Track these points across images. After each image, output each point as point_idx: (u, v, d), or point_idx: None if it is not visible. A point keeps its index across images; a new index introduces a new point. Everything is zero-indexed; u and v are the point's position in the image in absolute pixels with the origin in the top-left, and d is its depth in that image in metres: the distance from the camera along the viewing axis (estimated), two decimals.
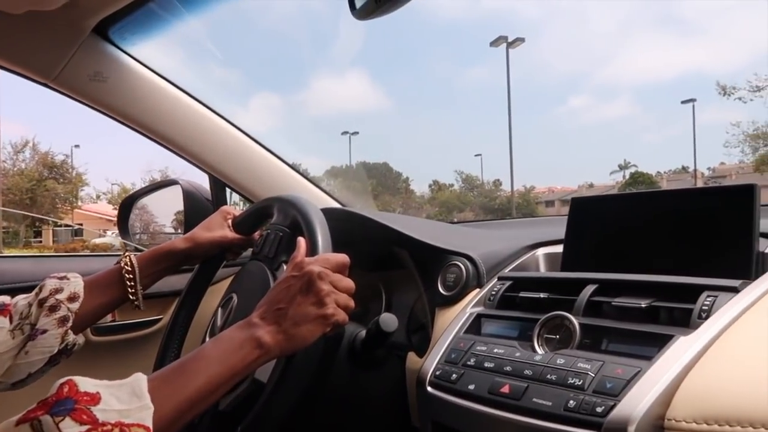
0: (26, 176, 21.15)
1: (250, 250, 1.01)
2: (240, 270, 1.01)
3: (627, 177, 30.57)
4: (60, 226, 22.67)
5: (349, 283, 0.71)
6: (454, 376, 0.77)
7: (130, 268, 0.90)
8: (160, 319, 1.33)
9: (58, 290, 0.82)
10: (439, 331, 0.88)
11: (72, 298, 0.82)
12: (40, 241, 22.17)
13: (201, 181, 1.42)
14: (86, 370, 1.19)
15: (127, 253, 0.92)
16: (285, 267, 0.86)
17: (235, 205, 1.54)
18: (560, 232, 0.96)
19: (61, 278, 0.84)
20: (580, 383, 0.65)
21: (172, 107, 1.30)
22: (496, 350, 0.76)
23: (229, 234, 0.99)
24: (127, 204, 1.50)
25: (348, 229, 1.01)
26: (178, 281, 1.13)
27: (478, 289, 0.92)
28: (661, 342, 0.64)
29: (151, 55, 1.28)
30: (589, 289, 0.77)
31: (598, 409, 0.61)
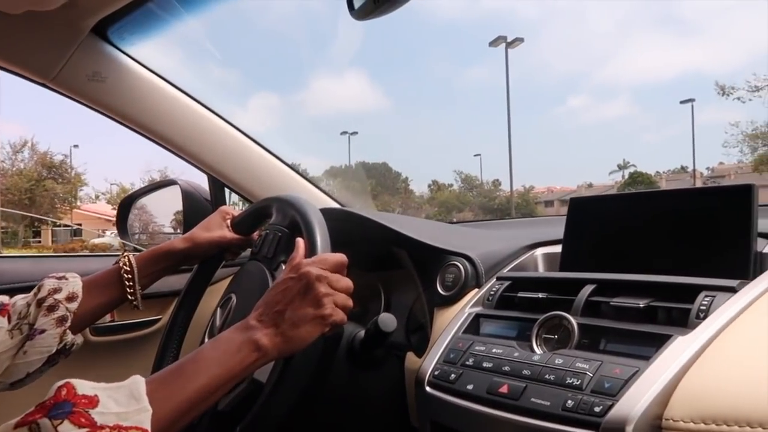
0: (25, 176, 21.13)
1: (249, 251, 1.01)
2: (239, 270, 1.01)
3: (626, 177, 30.60)
4: (59, 226, 22.66)
5: (346, 282, 0.71)
6: (453, 376, 0.77)
7: (128, 268, 0.90)
8: (159, 319, 1.33)
9: (56, 290, 0.82)
10: (437, 331, 0.88)
11: (70, 298, 0.82)
12: (39, 241, 22.16)
13: (200, 181, 1.42)
14: (85, 370, 1.19)
15: (125, 253, 0.92)
16: (284, 267, 0.86)
17: (234, 205, 1.54)
18: (559, 232, 0.96)
19: (59, 278, 0.84)
20: (578, 383, 0.65)
21: (171, 107, 1.30)
22: (494, 350, 0.76)
23: (228, 234, 0.99)
24: (126, 204, 1.50)
25: (347, 229, 1.01)
26: (177, 281, 1.13)
27: (476, 289, 0.92)
28: (659, 342, 0.64)
29: (150, 55, 1.28)
30: (588, 289, 0.77)
31: (596, 409, 0.61)
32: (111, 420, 0.51)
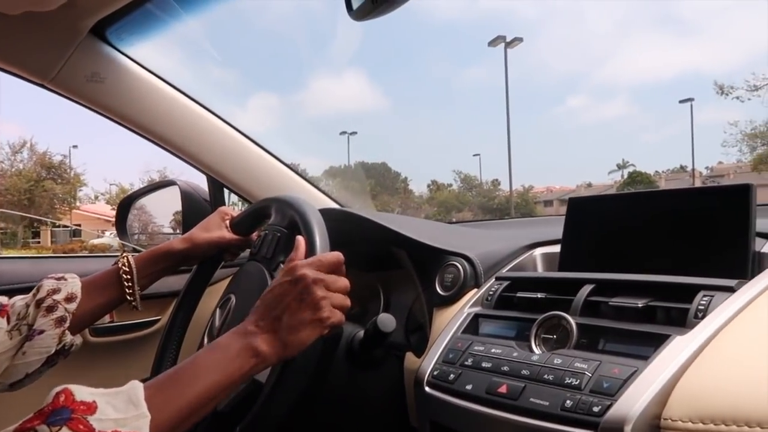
0: (24, 177, 21.11)
1: (248, 251, 1.01)
2: (238, 271, 1.01)
3: (625, 176, 30.61)
4: (58, 226, 22.64)
5: (343, 282, 0.71)
6: (452, 376, 0.77)
7: (127, 269, 0.90)
8: (158, 320, 1.33)
9: (55, 291, 0.82)
10: (436, 331, 0.88)
11: (69, 299, 0.82)
12: (39, 242, 22.15)
13: (199, 181, 1.42)
14: (84, 370, 1.19)
15: (124, 254, 0.92)
16: (283, 268, 0.86)
17: (233, 205, 1.54)
18: (558, 232, 0.96)
19: (58, 279, 0.84)
20: (577, 383, 0.65)
21: (170, 108, 1.30)
22: (493, 350, 0.76)
23: (227, 235, 0.99)
24: (125, 204, 1.50)
25: (346, 229, 1.01)
26: (176, 282, 1.13)
27: (475, 289, 0.92)
28: (657, 342, 0.65)
29: (149, 56, 1.28)
30: (586, 289, 0.77)
31: (595, 409, 0.61)
32: (109, 426, 0.51)
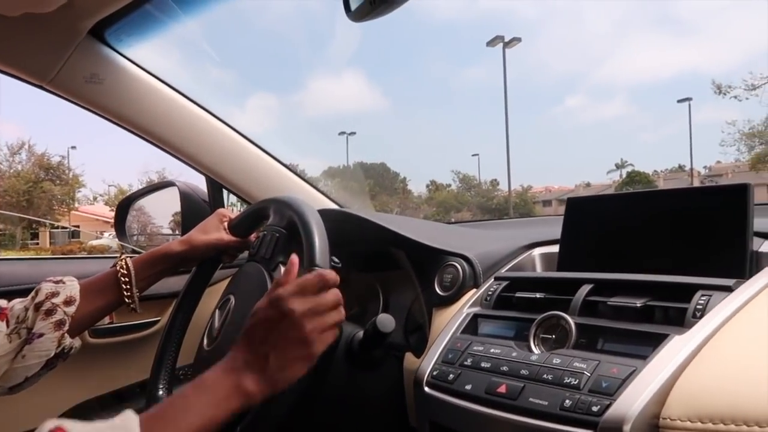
0: (23, 178, 21.10)
1: (246, 252, 1.01)
2: (237, 271, 1.01)
3: (624, 176, 30.63)
4: (57, 227, 22.62)
5: (333, 297, 0.69)
6: (451, 376, 0.77)
7: (125, 272, 0.90)
8: (157, 321, 1.32)
9: (54, 294, 0.82)
10: (436, 332, 0.88)
11: (68, 302, 0.82)
12: (37, 243, 22.13)
13: (198, 182, 1.42)
14: (84, 372, 1.20)
15: (123, 256, 0.92)
16: (282, 268, 0.86)
17: (232, 206, 1.54)
18: (557, 232, 0.97)
19: (57, 282, 0.84)
20: (576, 383, 0.65)
21: (169, 109, 1.30)
22: (492, 350, 0.76)
23: (225, 237, 0.99)
24: (124, 206, 1.50)
25: (345, 229, 1.01)
26: (175, 283, 1.13)
27: (474, 290, 0.92)
28: (656, 341, 0.65)
29: (148, 57, 1.28)
30: (585, 288, 0.77)
31: (594, 409, 0.61)
32: None
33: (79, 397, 1.20)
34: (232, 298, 0.91)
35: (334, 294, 0.69)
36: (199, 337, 0.95)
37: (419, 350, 0.88)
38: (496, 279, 0.91)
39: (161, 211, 1.61)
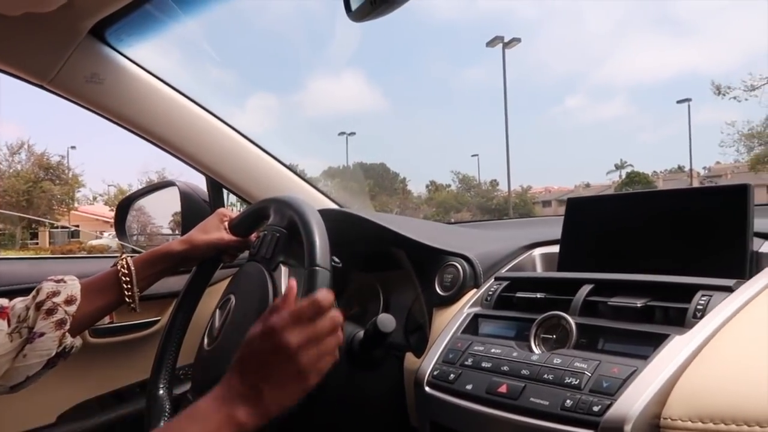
0: (22, 178, 21.09)
1: (247, 252, 1.01)
2: (237, 271, 1.01)
3: (623, 177, 30.64)
4: (56, 227, 22.61)
5: (329, 324, 0.66)
6: (452, 376, 0.77)
7: (126, 271, 0.90)
8: (158, 321, 1.32)
9: (55, 293, 0.82)
10: (436, 332, 0.88)
11: (69, 301, 0.82)
12: (37, 243, 22.12)
13: (198, 182, 1.42)
14: (84, 371, 1.19)
15: (123, 256, 0.92)
16: (282, 268, 0.86)
17: (232, 206, 1.54)
18: (557, 232, 0.97)
19: (58, 281, 0.84)
20: (576, 383, 0.65)
21: (169, 108, 1.30)
22: (493, 350, 0.76)
23: (226, 236, 0.99)
24: (124, 206, 1.50)
25: (345, 229, 1.01)
26: (176, 282, 1.13)
27: (475, 290, 0.92)
28: (656, 341, 0.65)
29: (148, 57, 1.28)
30: (585, 289, 0.77)
31: (595, 408, 0.61)
32: None
33: (79, 396, 1.20)
34: (233, 298, 0.91)
35: (330, 319, 0.66)
36: (200, 336, 0.95)
37: (419, 350, 0.88)
38: (497, 279, 0.91)
39: (161, 211, 1.61)
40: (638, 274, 0.78)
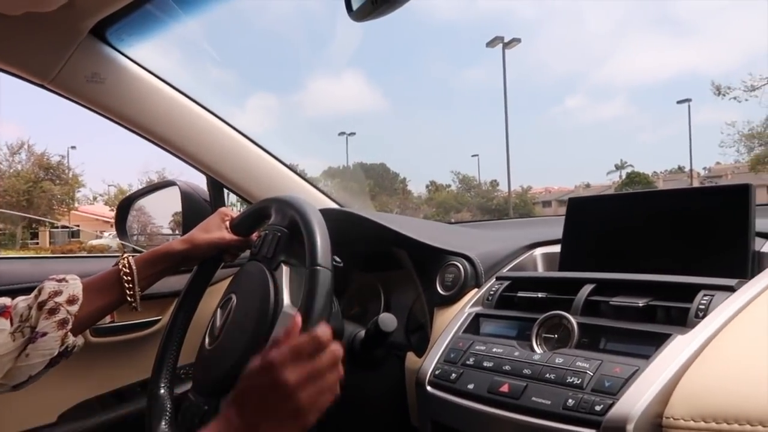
0: (22, 178, 21.09)
1: (248, 251, 1.01)
2: (239, 270, 1.01)
3: (623, 177, 30.63)
4: (57, 227, 22.61)
5: (330, 359, 0.65)
6: (454, 375, 0.77)
7: (128, 270, 0.90)
8: (159, 320, 1.32)
9: (57, 293, 0.82)
10: (437, 331, 0.88)
11: (71, 301, 0.82)
12: (37, 243, 22.12)
13: (198, 182, 1.42)
14: (86, 370, 1.19)
15: (125, 255, 0.92)
16: (284, 267, 0.86)
17: (232, 206, 1.54)
18: (557, 232, 0.97)
19: (59, 280, 0.84)
20: (578, 382, 0.65)
21: (169, 108, 1.30)
22: (495, 350, 0.76)
23: (227, 236, 0.99)
24: (124, 206, 1.50)
25: (346, 229, 1.01)
26: (177, 282, 1.13)
27: (476, 289, 0.92)
28: (658, 341, 0.65)
29: (148, 57, 1.28)
30: (587, 288, 0.77)
31: (597, 408, 0.61)
32: None
33: (79, 396, 1.20)
34: (234, 297, 0.90)
35: (330, 354, 0.65)
36: (201, 336, 0.95)
37: (421, 350, 0.88)
38: (498, 279, 0.91)
39: (161, 211, 1.61)
40: (640, 274, 0.78)
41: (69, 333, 0.81)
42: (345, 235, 0.91)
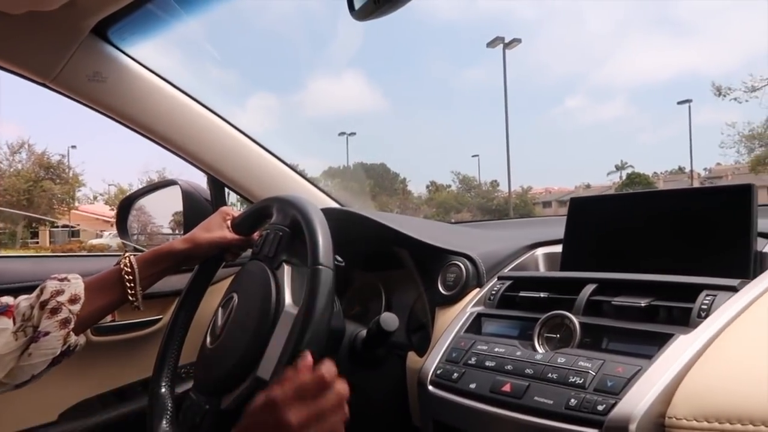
0: (23, 177, 21.09)
1: (249, 250, 1.01)
2: (240, 270, 1.01)
3: (623, 178, 30.62)
4: (57, 226, 22.61)
5: (334, 399, 0.63)
6: (456, 375, 0.77)
7: (129, 269, 0.90)
8: (160, 319, 1.32)
9: (59, 292, 0.81)
10: (439, 331, 0.88)
11: (73, 300, 0.82)
12: (37, 242, 22.12)
13: (199, 182, 1.42)
14: (87, 369, 1.19)
15: (126, 254, 0.92)
16: (285, 267, 0.86)
17: (233, 205, 1.54)
18: (558, 232, 0.97)
19: (61, 280, 0.84)
20: (581, 382, 0.65)
21: (171, 107, 1.30)
22: (497, 349, 0.76)
23: (228, 235, 0.99)
24: (125, 205, 1.50)
25: (348, 228, 1.01)
26: (178, 281, 1.13)
27: (478, 289, 0.92)
28: (661, 341, 0.65)
29: (150, 56, 1.28)
30: (589, 288, 0.77)
31: (600, 408, 0.61)
32: None
33: (80, 395, 1.19)
34: (235, 297, 0.90)
35: (335, 393, 0.64)
36: (202, 335, 0.95)
37: (422, 349, 0.88)
38: (500, 278, 0.91)
39: (162, 211, 1.61)
40: (642, 274, 0.78)
41: (71, 332, 0.81)
42: (346, 234, 0.90)
